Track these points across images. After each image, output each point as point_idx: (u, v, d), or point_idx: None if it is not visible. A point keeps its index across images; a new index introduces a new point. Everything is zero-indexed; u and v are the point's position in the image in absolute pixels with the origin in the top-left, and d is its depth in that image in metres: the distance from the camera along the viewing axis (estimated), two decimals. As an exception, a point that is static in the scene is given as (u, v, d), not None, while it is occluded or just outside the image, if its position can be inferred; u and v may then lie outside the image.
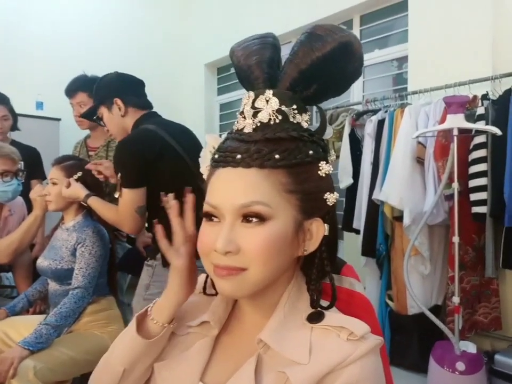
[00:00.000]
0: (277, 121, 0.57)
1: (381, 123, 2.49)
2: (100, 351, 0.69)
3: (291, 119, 0.58)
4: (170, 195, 0.68)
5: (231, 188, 0.56)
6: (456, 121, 1.96)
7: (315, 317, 0.58)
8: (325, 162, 0.58)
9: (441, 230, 2.37)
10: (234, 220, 0.55)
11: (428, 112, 2.31)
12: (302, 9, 3.35)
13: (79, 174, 1.70)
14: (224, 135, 0.62)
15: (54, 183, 1.70)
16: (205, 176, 0.63)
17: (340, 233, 2.82)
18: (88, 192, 1.64)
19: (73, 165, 1.73)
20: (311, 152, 0.57)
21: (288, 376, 0.53)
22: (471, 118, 2.13)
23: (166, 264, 1.51)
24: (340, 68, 0.58)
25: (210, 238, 0.56)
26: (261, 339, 0.57)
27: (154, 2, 4.26)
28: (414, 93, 2.48)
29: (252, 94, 0.59)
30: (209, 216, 0.58)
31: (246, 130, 0.58)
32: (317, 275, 0.60)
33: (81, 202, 1.68)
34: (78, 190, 1.65)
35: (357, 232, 2.64)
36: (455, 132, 1.98)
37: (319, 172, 0.58)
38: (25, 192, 1.97)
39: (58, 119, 3.44)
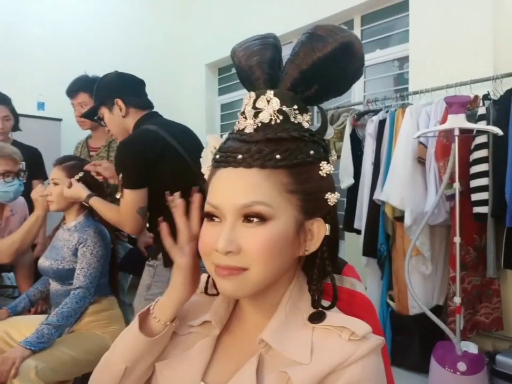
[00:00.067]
0: (278, 121, 0.57)
1: (382, 123, 2.49)
2: (101, 351, 0.69)
3: (292, 119, 0.58)
4: (176, 194, 0.68)
5: (232, 188, 0.56)
6: (457, 121, 1.96)
7: (316, 317, 0.58)
8: (326, 162, 0.59)
9: (443, 230, 2.37)
10: (235, 220, 0.55)
11: (429, 112, 2.31)
12: (303, 10, 3.35)
13: (81, 174, 1.70)
14: (225, 135, 0.62)
15: (56, 183, 1.71)
16: (206, 177, 0.63)
17: (341, 233, 2.82)
18: (89, 193, 1.65)
19: (74, 165, 1.74)
20: (312, 152, 0.57)
21: (290, 376, 0.54)
22: (472, 118, 2.13)
23: (167, 264, 1.51)
24: (341, 68, 0.59)
25: (211, 238, 0.57)
26: (262, 339, 0.57)
27: (154, 3, 4.26)
28: (415, 93, 2.48)
29: (253, 94, 0.59)
30: (211, 216, 0.58)
31: (247, 131, 0.58)
32: (318, 275, 0.60)
33: (83, 203, 1.68)
34: (80, 190, 1.65)
35: (358, 232, 2.63)
36: (456, 132, 1.98)
37: (320, 172, 0.58)
38: (26, 193, 1.97)
39: (60, 120, 3.44)
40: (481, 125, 2.04)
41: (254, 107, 0.58)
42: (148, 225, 1.63)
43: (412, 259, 2.20)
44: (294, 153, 0.56)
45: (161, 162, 1.52)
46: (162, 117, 1.72)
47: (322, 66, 0.57)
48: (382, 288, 2.54)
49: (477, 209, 2.10)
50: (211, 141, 0.65)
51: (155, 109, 1.73)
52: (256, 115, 0.58)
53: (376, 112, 2.61)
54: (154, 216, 1.58)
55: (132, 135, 1.62)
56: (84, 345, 1.55)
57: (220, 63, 4.30)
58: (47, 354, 1.44)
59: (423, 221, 2.06)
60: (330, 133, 0.64)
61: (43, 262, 1.70)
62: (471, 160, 2.12)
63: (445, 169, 2.10)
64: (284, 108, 0.57)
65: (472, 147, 2.12)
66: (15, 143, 2.34)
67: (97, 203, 1.62)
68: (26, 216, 2.07)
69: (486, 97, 2.17)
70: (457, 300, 1.99)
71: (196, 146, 1.64)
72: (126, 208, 1.52)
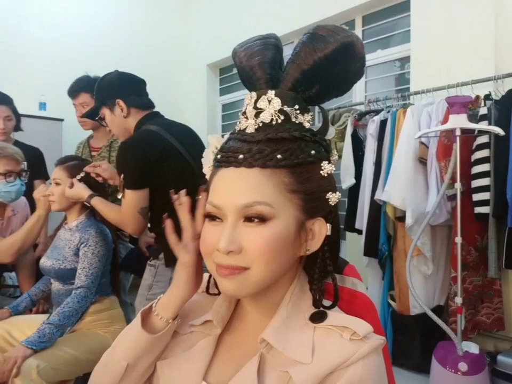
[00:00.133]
0: (279, 121, 0.57)
1: (383, 123, 2.49)
2: (103, 351, 0.69)
3: (293, 119, 0.58)
4: (182, 192, 0.68)
5: (233, 188, 0.56)
6: (459, 121, 1.96)
7: (318, 317, 0.58)
8: (327, 162, 0.59)
9: (444, 230, 2.37)
10: (236, 220, 0.55)
11: (430, 112, 2.31)
12: (304, 10, 3.35)
13: (82, 174, 1.70)
14: (227, 136, 0.62)
15: (57, 183, 1.71)
16: (207, 177, 0.64)
17: (342, 233, 2.82)
18: (91, 193, 1.65)
19: (76, 165, 1.74)
20: (313, 152, 0.58)
21: (291, 376, 0.54)
22: (473, 118, 2.13)
23: (168, 264, 1.51)
24: (342, 68, 0.59)
25: (212, 237, 0.57)
26: (263, 338, 0.58)
27: (155, 3, 4.27)
28: (417, 93, 2.48)
29: (254, 94, 0.59)
30: (212, 216, 0.58)
31: (248, 131, 0.58)
32: (319, 275, 0.60)
33: (84, 203, 1.68)
34: (81, 190, 1.65)
35: (359, 232, 2.64)
36: (458, 132, 1.98)
37: (321, 172, 0.58)
38: (28, 192, 1.98)
39: (61, 120, 3.45)
40: (483, 125, 2.04)
41: (255, 107, 0.58)
42: (149, 225, 1.63)
43: (413, 259, 2.20)
44: (295, 153, 0.56)
45: (162, 162, 1.52)
46: (163, 117, 1.72)
47: (323, 66, 0.57)
48: (383, 288, 2.54)
49: (478, 210, 2.09)
50: (212, 141, 0.65)
51: (156, 109, 1.73)
52: (257, 115, 0.58)
53: (377, 112, 2.61)
54: (155, 216, 1.58)
55: (133, 136, 1.61)
56: (85, 345, 1.55)
57: (221, 63, 4.30)
58: (48, 353, 1.44)
59: (425, 221, 2.06)
60: (331, 133, 0.64)
61: (45, 262, 1.70)
62: (472, 160, 2.12)
63: (446, 169, 2.10)
64: (285, 108, 0.57)
65: (474, 147, 2.12)
66: (17, 143, 2.34)
67: (98, 203, 1.63)
68: (28, 216, 2.07)
69: (487, 97, 2.17)
70: (458, 300, 1.99)
71: (197, 147, 1.64)
72: (127, 209, 1.52)
